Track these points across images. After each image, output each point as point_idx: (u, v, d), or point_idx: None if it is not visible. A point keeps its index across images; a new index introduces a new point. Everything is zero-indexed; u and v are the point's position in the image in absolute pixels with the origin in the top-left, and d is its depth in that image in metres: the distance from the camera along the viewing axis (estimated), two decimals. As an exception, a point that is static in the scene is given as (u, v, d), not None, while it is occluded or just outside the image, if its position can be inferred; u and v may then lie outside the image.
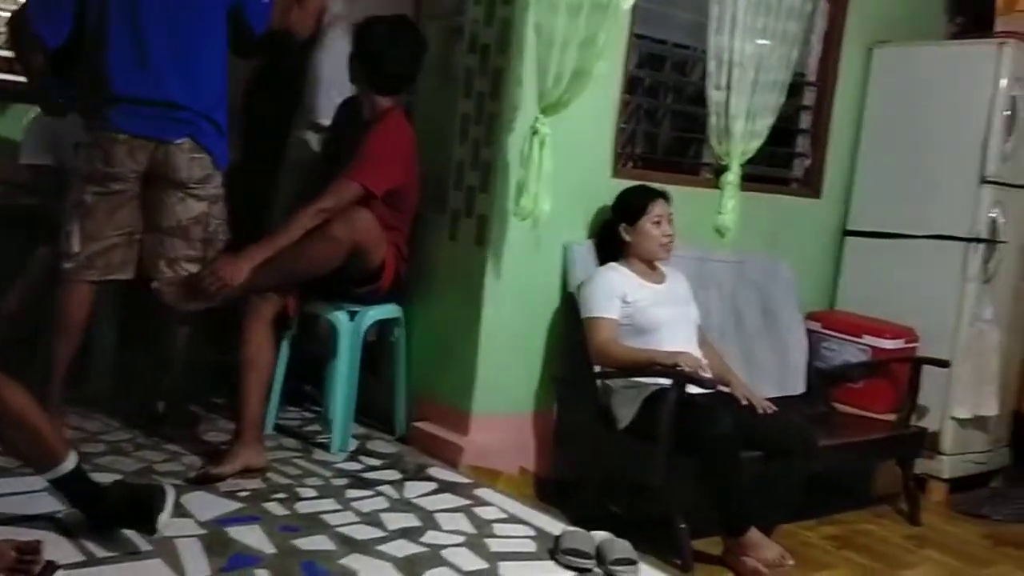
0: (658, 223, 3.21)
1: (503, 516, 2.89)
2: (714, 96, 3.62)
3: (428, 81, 3.46)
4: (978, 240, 3.86)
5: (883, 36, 4.19)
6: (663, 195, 3.26)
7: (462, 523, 2.79)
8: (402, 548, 2.55)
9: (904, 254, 4.02)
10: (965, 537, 3.57)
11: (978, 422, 3.96)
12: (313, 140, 3.59)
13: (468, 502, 2.95)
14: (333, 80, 3.48)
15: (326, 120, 3.52)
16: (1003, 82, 3.83)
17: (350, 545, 2.53)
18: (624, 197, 3.31)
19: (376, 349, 3.51)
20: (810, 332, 3.91)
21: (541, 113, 3.11)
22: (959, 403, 3.87)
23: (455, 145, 3.43)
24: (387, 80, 3.25)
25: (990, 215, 3.87)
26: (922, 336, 3.86)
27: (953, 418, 3.88)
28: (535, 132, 3.11)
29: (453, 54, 3.46)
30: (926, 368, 3.69)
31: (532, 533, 2.79)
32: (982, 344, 3.90)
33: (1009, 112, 3.84)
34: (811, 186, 4.18)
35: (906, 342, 3.83)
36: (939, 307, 3.90)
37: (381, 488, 2.98)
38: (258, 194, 3.58)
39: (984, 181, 3.85)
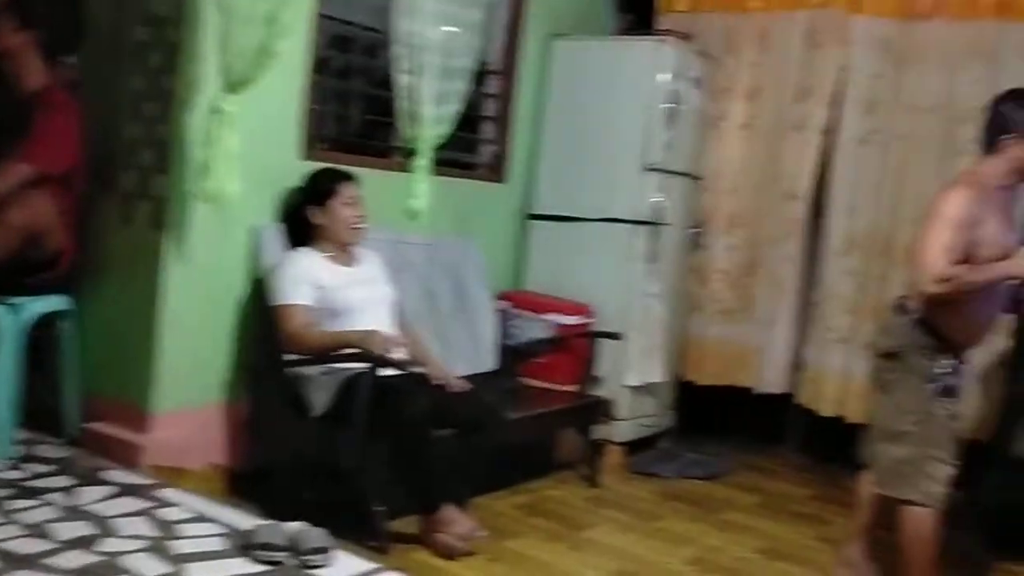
0: (348, 205, 3.18)
1: (190, 516, 2.75)
2: (402, 80, 3.65)
3: (92, 54, 3.19)
4: (644, 223, 4.20)
5: (561, 29, 4.43)
6: (351, 177, 3.24)
7: (143, 527, 2.62)
8: (74, 559, 2.36)
9: (581, 236, 4.30)
10: (638, 495, 3.89)
11: (647, 389, 4.33)
12: None
13: (150, 504, 2.78)
14: None
15: None
16: (664, 76, 4.18)
17: (13, 561, 2.30)
18: (313, 179, 3.25)
19: (42, 345, 3.19)
20: (500, 311, 4.07)
21: (225, 91, 2.97)
22: (630, 372, 4.20)
23: (125, 122, 3.19)
24: (55, 43, 2.98)
25: (655, 200, 4.22)
26: (598, 312, 4.15)
27: (626, 386, 4.21)
28: (218, 110, 2.97)
29: (123, 26, 3.20)
30: (603, 340, 3.98)
31: (222, 530, 2.68)
32: (649, 317, 4.27)
33: (669, 105, 4.21)
34: (497, 171, 4.35)
35: (585, 318, 4.10)
36: (612, 285, 4.21)
37: (49, 496, 2.74)
38: None
39: (648, 169, 4.19)
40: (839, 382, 4.33)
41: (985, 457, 3.51)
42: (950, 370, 2.79)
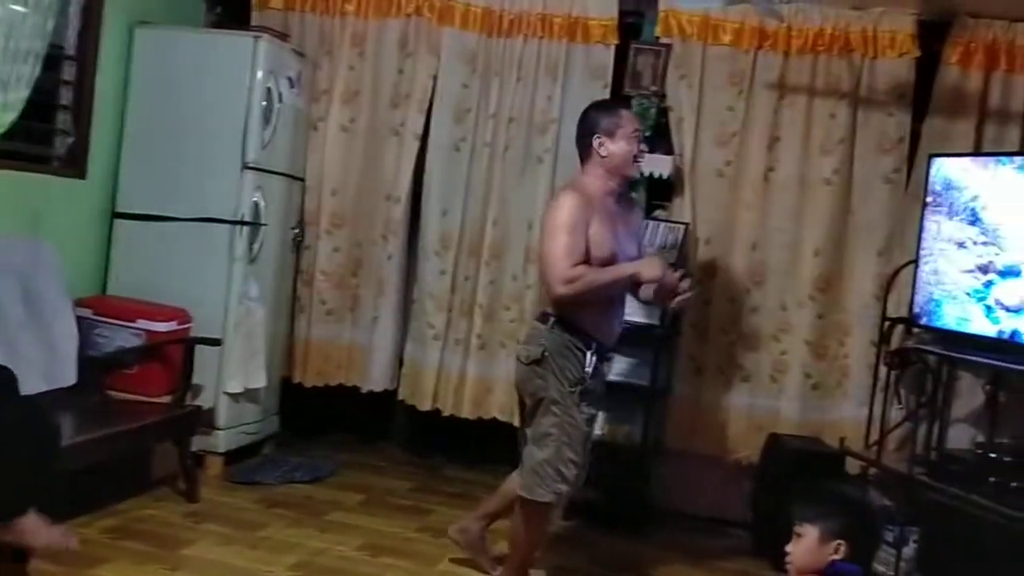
0: None
1: None
2: (-46, 60, 3.20)
3: None
4: (243, 223, 4.08)
5: (144, 17, 4.16)
6: None
7: None
8: None
9: (175, 237, 4.07)
10: (241, 505, 3.76)
11: (249, 394, 4.21)
12: None
13: None
14: None
15: None
16: (259, 74, 4.07)
17: None
18: None
19: None
20: (80, 319, 3.72)
21: None
22: (231, 378, 4.06)
23: None
24: None
25: (253, 199, 4.11)
26: (195, 317, 3.95)
27: (226, 393, 4.06)
28: None
29: None
30: (200, 347, 3.81)
31: None
32: (250, 321, 4.14)
33: (266, 103, 4.12)
34: (76, 166, 3.97)
35: (179, 324, 3.89)
36: (210, 288, 4.04)
37: None
38: None
39: (246, 167, 4.07)
40: (435, 377, 4.51)
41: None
42: (591, 372, 2.96)
